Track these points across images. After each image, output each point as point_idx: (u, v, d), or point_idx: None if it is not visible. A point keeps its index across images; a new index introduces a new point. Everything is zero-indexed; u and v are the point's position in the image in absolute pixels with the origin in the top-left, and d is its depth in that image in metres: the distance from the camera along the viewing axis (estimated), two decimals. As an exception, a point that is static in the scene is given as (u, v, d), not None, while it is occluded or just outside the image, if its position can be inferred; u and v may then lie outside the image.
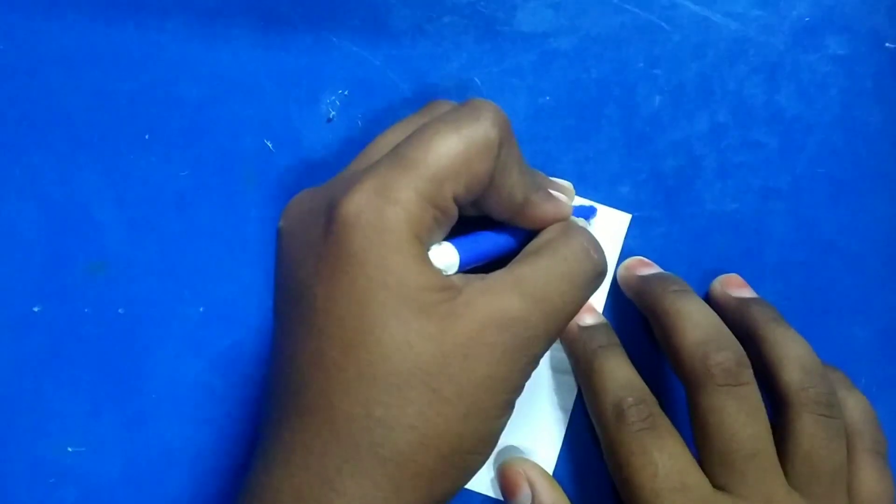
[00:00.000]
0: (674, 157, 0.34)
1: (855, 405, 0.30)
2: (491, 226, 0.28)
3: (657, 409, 0.29)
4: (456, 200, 0.24)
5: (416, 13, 0.34)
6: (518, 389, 0.24)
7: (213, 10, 0.34)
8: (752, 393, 0.28)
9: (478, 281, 0.24)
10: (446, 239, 0.25)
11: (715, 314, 0.30)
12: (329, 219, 0.23)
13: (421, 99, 0.34)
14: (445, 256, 0.25)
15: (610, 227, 0.33)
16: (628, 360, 0.31)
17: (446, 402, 0.22)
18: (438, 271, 0.23)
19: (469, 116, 0.24)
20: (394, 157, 0.24)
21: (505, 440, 0.33)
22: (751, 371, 0.28)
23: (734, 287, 0.32)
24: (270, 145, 0.34)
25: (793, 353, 0.29)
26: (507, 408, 0.24)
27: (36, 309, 0.34)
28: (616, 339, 0.32)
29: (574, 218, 0.30)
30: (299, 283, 0.24)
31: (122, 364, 0.34)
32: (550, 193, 0.28)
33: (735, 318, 0.31)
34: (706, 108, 0.34)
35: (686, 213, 0.34)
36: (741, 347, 0.29)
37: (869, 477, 0.29)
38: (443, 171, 0.23)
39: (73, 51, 0.34)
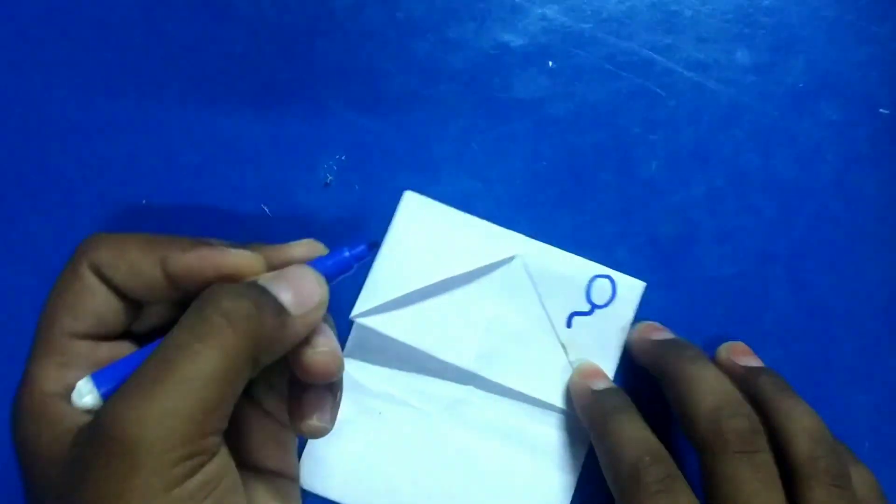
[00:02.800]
0: (671, 221, 0.34)
1: (861, 478, 0.30)
2: None
3: (675, 470, 0.28)
4: (77, 334, 0.25)
5: (412, 80, 0.34)
6: (155, 494, 0.21)
7: (211, 76, 0.34)
8: (767, 460, 0.28)
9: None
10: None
11: (729, 381, 0.30)
12: None
13: (418, 164, 0.34)
14: (80, 393, 0.24)
15: (624, 293, 0.33)
16: (644, 422, 0.30)
17: None
18: (56, 419, 0.23)
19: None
20: None
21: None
22: (765, 439, 0.28)
23: (740, 355, 0.32)
24: (267, 210, 0.34)
25: (803, 423, 0.29)
26: None
27: (28, 375, 0.33)
28: (630, 402, 0.32)
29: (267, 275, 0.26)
30: None
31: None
32: (195, 245, 0.26)
33: (742, 388, 0.31)
34: (702, 173, 0.34)
35: (684, 277, 0.34)
36: (755, 415, 0.28)
37: None
38: (42, 325, 0.25)
39: (71, 117, 0.34)
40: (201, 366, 0.22)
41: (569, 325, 0.33)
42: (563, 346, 0.33)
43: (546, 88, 0.34)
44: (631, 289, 0.33)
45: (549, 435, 0.33)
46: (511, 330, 0.33)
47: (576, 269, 0.33)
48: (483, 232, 0.33)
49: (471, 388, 0.33)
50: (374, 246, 0.28)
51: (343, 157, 0.34)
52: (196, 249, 0.25)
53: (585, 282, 0.33)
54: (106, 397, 0.24)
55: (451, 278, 0.32)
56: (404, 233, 0.33)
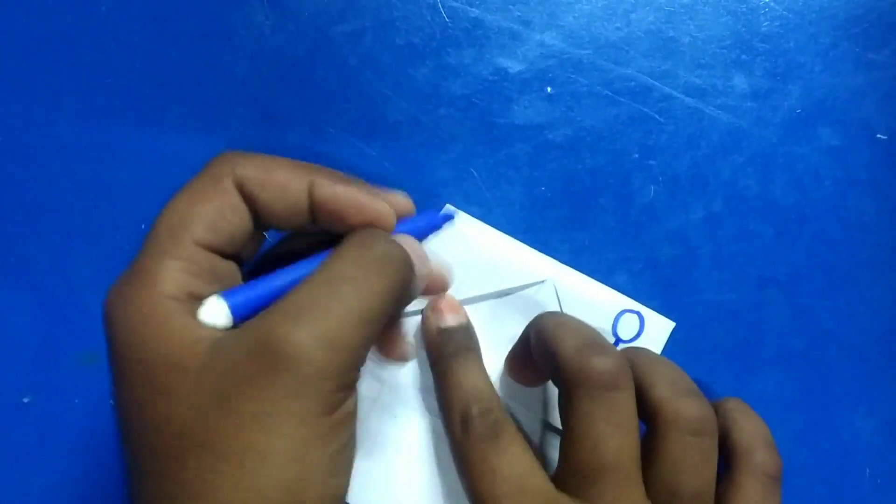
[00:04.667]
0: (670, 246, 0.34)
1: (746, 426, 0.29)
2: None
3: (503, 416, 0.28)
4: (211, 246, 0.24)
5: (412, 105, 0.34)
6: (313, 417, 0.22)
7: (211, 101, 0.34)
8: (626, 402, 0.26)
9: (243, 324, 0.23)
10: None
11: (593, 328, 0.29)
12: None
13: (417, 189, 0.34)
14: (211, 310, 0.23)
15: (651, 331, 0.33)
16: (480, 366, 0.30)
17: (221, 457, 0.21)
18: (193, 326, 0.23)
19: (198, 173, 0.25)
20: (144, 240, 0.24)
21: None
22: (629, 380, 0.27)
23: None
24: (266, 235, 0.34)
25: (663, 371, 0.28)
26: (308, 444, 0.22)
27: (26, 399, 0.33)
28: (472, 343, 0.31)
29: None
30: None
31: (113, 457, 0.33)
32: (341, 177, 0.26)
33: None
34: (701, 198, 0.34)
35: (683, 302, 0.34)
36: (623, 357, 0.27)
37: (749, 498, 0.28)
38: (175, 226, 0.24)
39: (70, 141, 0.34)
40: (370, 302, 0.23)
41: None
42: None
43: (545, 114, 0.34)
44: (659, 327, 0.33)
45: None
46: None
47: (605, 300, 0.33)
48: (517, 253, 0.33)
49: None
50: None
51: (342, 182, 0.34)
52: (345, 184, 0.26)
53: (613, 315, 0.33)
54: (237, 320, 0.23)
55: (480, 295, 0.33)
56: (438, 246, 0.33)
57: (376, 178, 0.34)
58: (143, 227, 0.33)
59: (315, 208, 0.26)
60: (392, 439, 0.33)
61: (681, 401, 0.27)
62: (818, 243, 0.34)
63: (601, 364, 0.26)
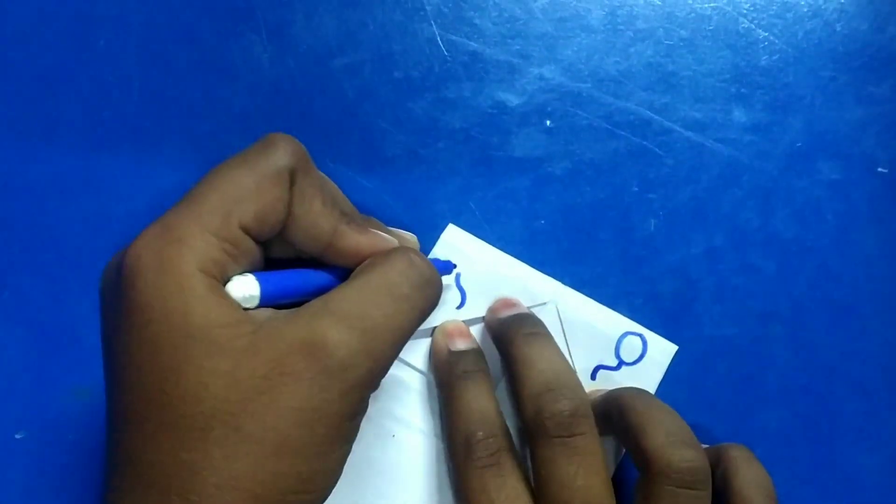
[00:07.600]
0: (670, 280, 0.33)
1: (748, 474, 0.28)
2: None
3: (507, 445, 0.29)
4: (249, 232, 0.24)
5: (410, 138, 0.34)
6: (341, 420, 0.23)
7: (208, 134, 0.34)
8: (589, 444, 0.27)
9: (286, 313, 0.23)
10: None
11: (563, 360, 0.29)
12: (118, 271, 0.23)
13: (416, 222, 0.34)
14: (244, 288, 0.23)
15: (654, 354, 0.33)
16: (490, 391, 0.30)
17: (251, 440, 0.22)
18: (234, 305, 0.23)
19: (258, 148, 0.25)
20: (181, 200, 0.24)
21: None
22: (590, 421, 0.27)
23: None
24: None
25: (659, 418, 0.27)
26: (331, 443, 0.23)
27: (18, 436, 0.33)
28: (483, 367, 0.31)
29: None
30: (107, 339, 0.24)
31: (106, 495, 0.32)
32: (366, 228, 0.27)
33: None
34: (702, 231, 0.34)
35: (684, 337, 0.33)
36: (583, 395, 0.28)
37: None
38: (226, 202, 0.23)
39: (66, 174, 0.34)
40: (412, 321, 0.25)
41: (593, 377, 0.33)
42: None
43: (544, 147, 0.34)
44: (662, 351, 0.33)
45: None
46: None
47: (608, 323, 0.33)
48: (520, 274, 0.33)
49: None
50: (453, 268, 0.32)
51: (340, 216, 0.34)
52: (367, 233, 0.26)
53: (616, 337, 0.33)
54: (264, 303, 0.24)
55: (483, 317, 0.33)
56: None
57: (374, 212, 0.34)
58: (139, 260, 0.33)
59: (331, 250, 0.26)
60: (390, 460, 0.32)
61: (673, 452, 0.26)
62: (820, 277, 0.34)
63: (557, 413, 0.27)
